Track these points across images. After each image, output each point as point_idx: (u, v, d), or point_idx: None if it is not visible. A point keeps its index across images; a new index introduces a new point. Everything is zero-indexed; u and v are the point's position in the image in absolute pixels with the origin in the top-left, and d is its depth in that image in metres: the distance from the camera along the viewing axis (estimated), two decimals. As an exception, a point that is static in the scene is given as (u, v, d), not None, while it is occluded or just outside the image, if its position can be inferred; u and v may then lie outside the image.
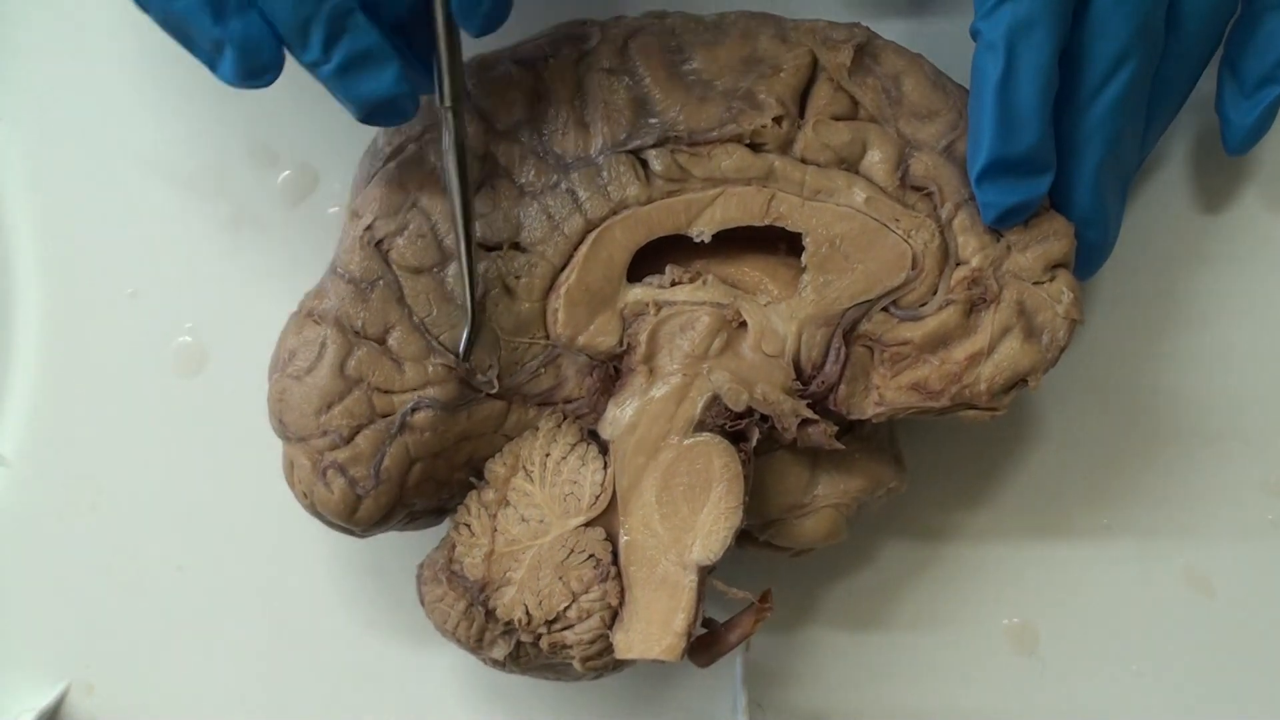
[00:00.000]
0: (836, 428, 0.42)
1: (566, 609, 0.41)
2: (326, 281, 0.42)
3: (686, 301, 0.42)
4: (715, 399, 0.42)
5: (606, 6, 0.45)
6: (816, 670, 0.49)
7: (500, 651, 0.42)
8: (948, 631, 0.50)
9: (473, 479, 0.43)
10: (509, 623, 0.42)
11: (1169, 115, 0.45)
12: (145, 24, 0.36)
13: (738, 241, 0.42)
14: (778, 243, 0.43)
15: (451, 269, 0.42)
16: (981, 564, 0.50)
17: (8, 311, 0.50)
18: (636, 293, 0.42)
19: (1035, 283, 0.41)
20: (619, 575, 0.41)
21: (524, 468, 0.42)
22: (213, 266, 0.50)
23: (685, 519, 0.41)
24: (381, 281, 0.41)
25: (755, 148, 0.42)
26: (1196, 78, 0.44)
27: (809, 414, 0.41)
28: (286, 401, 0.42)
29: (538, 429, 0.43)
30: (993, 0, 0.39)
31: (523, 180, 0.42)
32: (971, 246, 0.41)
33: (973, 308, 0.41)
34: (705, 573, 0.41)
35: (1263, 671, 0.49)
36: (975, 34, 0.41)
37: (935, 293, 0.42)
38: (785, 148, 0.42)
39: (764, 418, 0.42)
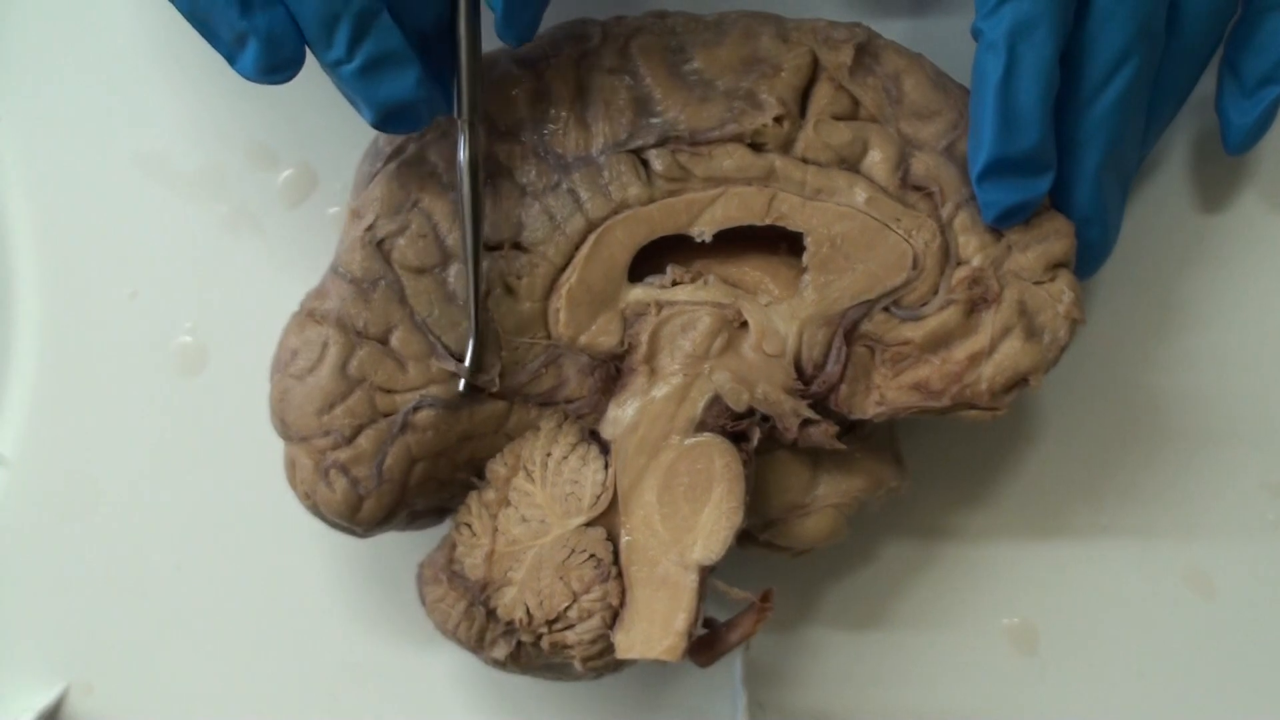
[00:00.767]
0: (837, 428, 0.42)
1: (567, 609, 0.41)
2: (328, 281, 0.42)
3: (688, 301, 0.42)
4: (716, 399, 0.42)
5: (607, 6, 0.45)
6: (816, 670, 0.49)
7: (501, 651, 0.42)
8: (948, 631, 0.50)
9: (474, 479, 0.43)
10: (510, 623, 0.42)
11: (1169, 115, 0.45)
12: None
13: (739, 241, 0.42)
14: (779, 243, 0.43)
15: (453, 269, 0.42)
16: (981, 564, 0.50)
17: (8, 311, 0.50)
18: (638, 293, 0.42)
19: (1036, 282, 0.41)
20: (620, 575, 0.41)
21: (525, 468, 0.42)
22: (213, 266, 0.50)
23: (686, 519, 0.41)
24: (383, 281, 0.41)
25: (756, 147, 0.42)
26: (1196, 78, 0.44)
27: (810, 414, 0.42)
28: (288, 401, 0.42)
29: (539, 429, 0.43)
30: (994, 0, 0.39)
31: (524, 180, 0.42)
32: (972, 246, 0.41)
33: (973, 307, 0.41)
34: (706, 573, 0.41)
35: (1263, 671, 0.49)
36: (976, 34, 0.41)
37: (936, 292, 0.42)
38: (786, 147, 0.42)
39: (765, 418, 0.42)
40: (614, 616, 0.41)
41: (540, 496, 0.42)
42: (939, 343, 0.42)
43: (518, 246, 0.42)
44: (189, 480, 0.50)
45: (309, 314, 0.42)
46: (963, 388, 0.41)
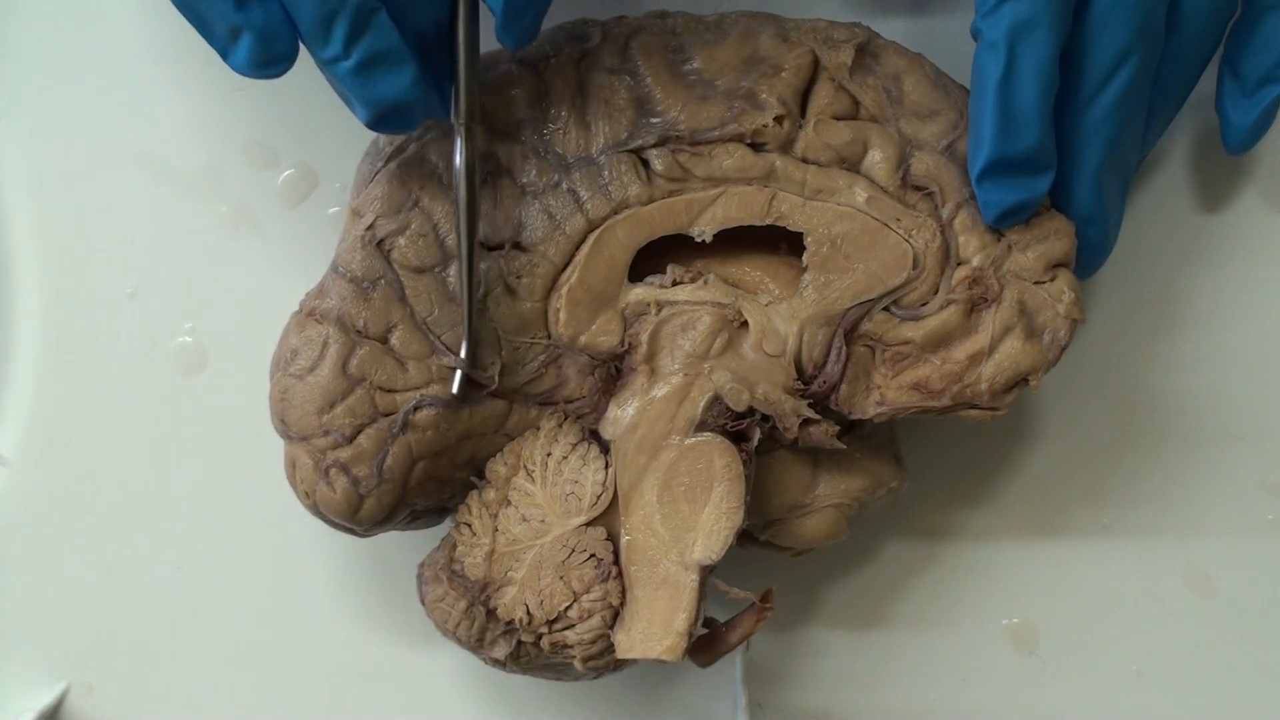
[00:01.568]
0: (837, 427, 0.42)
1: (567, 609, 0.41)
2: (328, 281, 0.42)
3: (688, 301, 0.42)
4: (716, 399, 0.42)
5: (608, 6, 0.45)
6: (816, 670, 0.49)
7: (501, 651, 0.42)
8: (948, 631, 0.50)
9: (474, 478, 0.43)
10: (510, 622, 0.42)
11: (1169, 115, 0.45)
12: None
13: (739, 241, 0.42)
14: (779, 242, 0.43)
15: (453, 269, 0.42)
16: (981, 564, 0.50)
17: (8, 311, 0.50)
18: (638, 292, 0.42)
19: (1036, 282, 0.41)
20: (620, 575, 0.41)
21: (525, 467, 0.42)
22: (213, 266, 0.50)
23: (686, 519, 0.41)
24: (383, 281, 0.41)
25: (756, 147, 0.42)
26: (1196, 78, 0.44)
27: (810, 414, 0.42)
28: (288, 400, 0.42)
29: (539, 428, 0.43)
30: (993, 0, 0.39)
31: (524, 180, 0.42)
32: (972, 246, 0.41)
33: (974, 307, 0.41)
34: (706, 572, 0.41)
35: (1263, 671, 0.49)
36: (976, 33, 0.41)
37: (936, 292, 0.42)
38: (786, 147, 0.42)
39: (765, 417, 0.42)
40: (614, 616, 0.41)
41: (540, 496, 0.42)
42: (939, 342, 0.42)
43: (518, 246, 0.42)
44: (189, 480, 0.50)
45: (309, 313, 0.42)
46: (963, 388, 0.41)
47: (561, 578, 0.41)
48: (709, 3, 0.45)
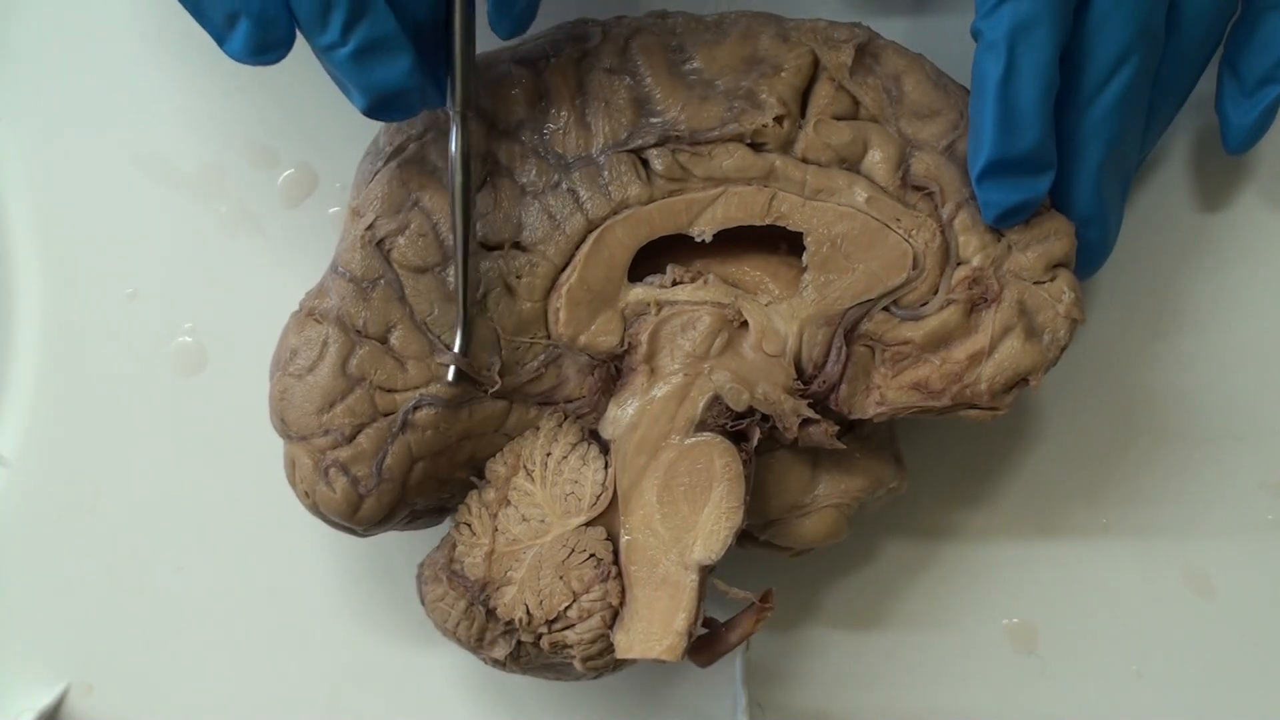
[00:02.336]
0: (837, 427, 0.42)
1: (567, 608, 0.41)
2: (328, 280, 0.42)
3: (688, 301, 0.42)
4: (716, 399, 0.42)
5: (608, 6, 0.45)
6: (816, 670, 0.49)
7: (501, 651, 0.42)
8: (948, 631, 0.50)
9: (474, 478, 0.43)
10: (509, 622, 0.42)
11: (1169, 115, 0.45)
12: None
13: (739, 241, 0.42)
14: (779, 242, 0.43)
15: (453, 268, 0.42)
16: (981, 564, 0.50)
17: (8, 311, 0.50)
18: (638, 292, 0.42)
19: (1036, 282, 0.41)
20: (620, 575, 0.41)
21: (525, 467, 0.42)
22: (213, 266, 0.50)
23: (686, 519, 0.41)
24: (383, 280, 0.41)
25: (756, 147, 0.42)
26: (1196, 78, 0.44)
27: (810, 413, 0.42)
28: (288, 400, 0.42)
29: (539, 428, 0.43)
30: (993, 0, 0.39)
31: (524, 180, 0.42)
32: (972, 246, 0.41)
33: (974, 307, 0.41)
34: (706, 572, 0.41)
35: (1263, 671, 0.49)
36: (976, 34, 0.41)
37: (936, 292, 0.42)
38: (786, 147, 0.42)
39: (765, 417, 0.42)
40: (614, 616, 0.41)
41: (540, 496, 0.42)
42: (939, 342, 0.42)
43: (518, 246, 0.42)
44: (189, 480, 0.50)
45: (309, 313, 0.42)
46: (963, 387, 0.41)
47: (561, 578, 0.41)
48: (709, 3, 0.45)
